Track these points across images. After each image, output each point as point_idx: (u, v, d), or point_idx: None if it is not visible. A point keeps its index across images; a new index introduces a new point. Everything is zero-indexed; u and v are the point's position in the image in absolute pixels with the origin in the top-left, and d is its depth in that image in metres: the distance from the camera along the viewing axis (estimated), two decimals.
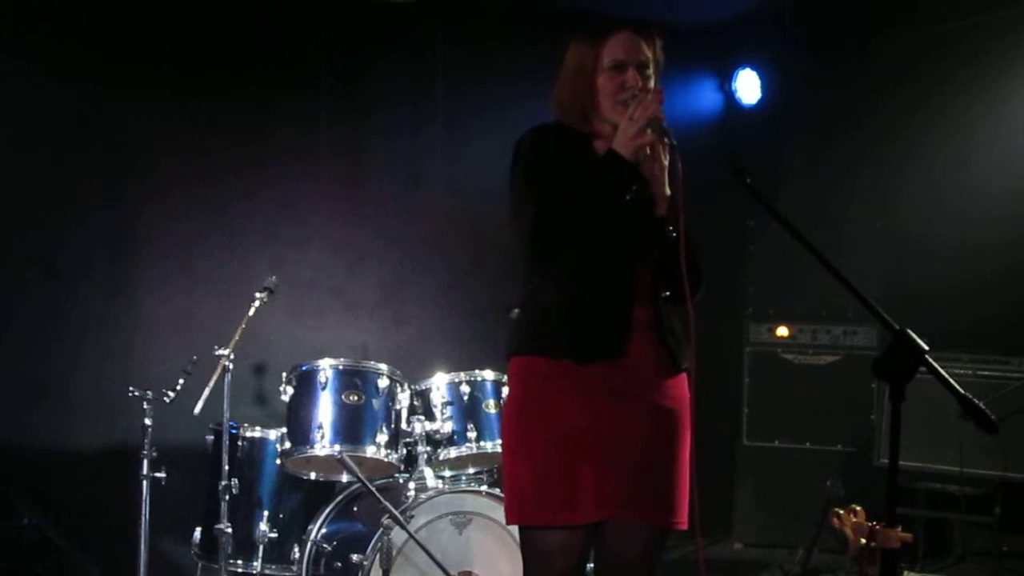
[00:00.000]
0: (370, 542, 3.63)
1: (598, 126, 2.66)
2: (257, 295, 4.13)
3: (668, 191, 2.59)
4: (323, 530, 3.98)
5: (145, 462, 3.93)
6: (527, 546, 2.62)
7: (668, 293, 2.64)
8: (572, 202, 2.51)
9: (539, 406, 2.58)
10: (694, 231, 2.63)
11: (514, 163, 2.66)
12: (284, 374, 4.05)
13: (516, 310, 4.42)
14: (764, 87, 6.05)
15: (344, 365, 4.00)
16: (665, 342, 2.62)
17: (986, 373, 4.78)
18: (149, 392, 3.94)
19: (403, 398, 4.05)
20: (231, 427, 3.97)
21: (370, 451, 3.90)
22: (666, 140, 2.49)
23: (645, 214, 2.58)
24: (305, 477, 4.06)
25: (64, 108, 4.67)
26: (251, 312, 4.09)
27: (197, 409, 3.85)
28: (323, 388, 3.93)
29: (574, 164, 2.58)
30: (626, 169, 2.50)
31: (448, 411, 4.03)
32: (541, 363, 2.61)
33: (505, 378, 4.18)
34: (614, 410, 2.55)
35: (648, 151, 2.53)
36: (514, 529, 3.82)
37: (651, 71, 2.65)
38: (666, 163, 2.55)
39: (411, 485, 3.86)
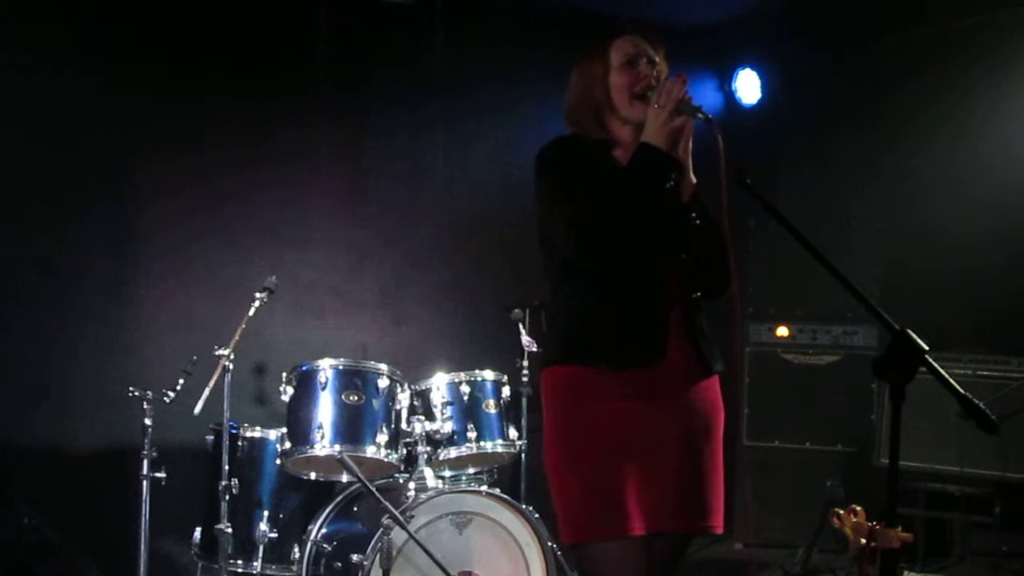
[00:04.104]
0: (370, 542, 3.63)
1: (617, 130, 2.63)
2: (257, 295, 4.13)
3: (693, 178, 2.57)
4: (323, 530, 3.98)
5: (145, 462, 3.92)
6: (586, 564, 2.56)
7: (698, 294, 2.61)
8: (613, 200, 2.45)
9: (581, 419, 2.54)
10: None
11: (540, 174, 2.61)
12: (284, 374, 4.05)
13: (516, 310, 4.45)
14: (764, 87, 6.05)
15: (344, 365, 4.00)
16: (697, 344, 2.59)
17: (986, 373, 4.77)
18: (149, 392, 3.94)
19: (403, 398, 4.05)
20: (231, 427, 3.96)
21: (370, 451, 3.89)
22: (700, 115, 2.46)
23: (674, 206, 2.55)
24: (305, 477, 4.06)
25: (64, 108, 4.66)
26: (251, 312, 4.09)
27: (197, 409, 3.85)
28: (323, 388, 3.93)
29: (599, 169, 2.55)
30: (663, 158, 2.47)
31: (448, 411, 4.03)
32: (579, 372, 2.55)
33: (505, 378, 4.20)
34: (652, 415, 2.52)
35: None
36: (514, 529, 3.85)
37: (660, 68, 2.64)
38: (690, 147, 2.53)
39: (411, 485, 3.86)
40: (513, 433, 4.14)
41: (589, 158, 2.59)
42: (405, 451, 4.03)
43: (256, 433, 4.10)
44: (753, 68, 6.06)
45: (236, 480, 3.94)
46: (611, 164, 2.59)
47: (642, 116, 2.54)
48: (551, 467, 2.60)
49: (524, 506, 3.94)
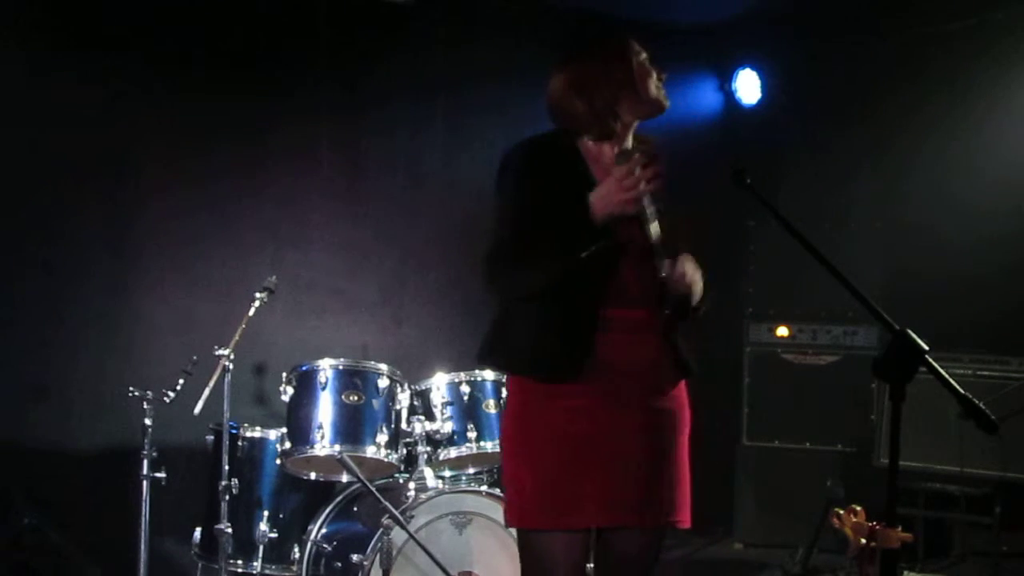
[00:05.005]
0: (370, 542, 3.63)
1: (633, 114, 2.64)
2: (257, 295, 4.13)
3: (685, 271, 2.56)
4: (323, 530, 3.98)
5: (145, 462, 3.92)
6: (527, 550, 2.61)
7: (668, 311, 2.63)
8: (533, 242, 2.52)
9: (539, 410, 2.57)
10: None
11: (498, 177, 2.70)
12: (284, 374, 4.05)
13: None
14: (764, 87, 6.06)
15: (344, 365, 4.00)
16: (666, 350, 2.62)
17: (986, 373, 4.77)
18: (149, 392, 3.94)
19: (403, 398, 4.05)
20: (231, 427, 3.96)
21: (370, 451, 3.90)
22: (650, 228, 2.48)
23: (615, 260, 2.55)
24: (305, 477, 4.06)
25: (64, 108, 4.66)
26: (251, 312, 4.09)
27: (197, 409, 3.84)
28: (323, 388, 3.93)
29: (563, 183, 2.58)
30: (592, 228, 2.46)
31: (448, 411, 4.03)
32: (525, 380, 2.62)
33: (505, 378, 4.19)
34: (614, 413, 2.54)
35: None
36: (515, 529, 3.85)
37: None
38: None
39: (411, 485, 3.86)
40: None
41: (552, 173, 2.61)
42: (405, 451, 4.03)
43: (256, 433, 4.10)
44: (753, 68, 6.07)
45: (236, 480, 3.94)
46: (580, 171, 2.61)
47: (660, 99, 2.63)
48: (506, 452, 2.66)
49: None
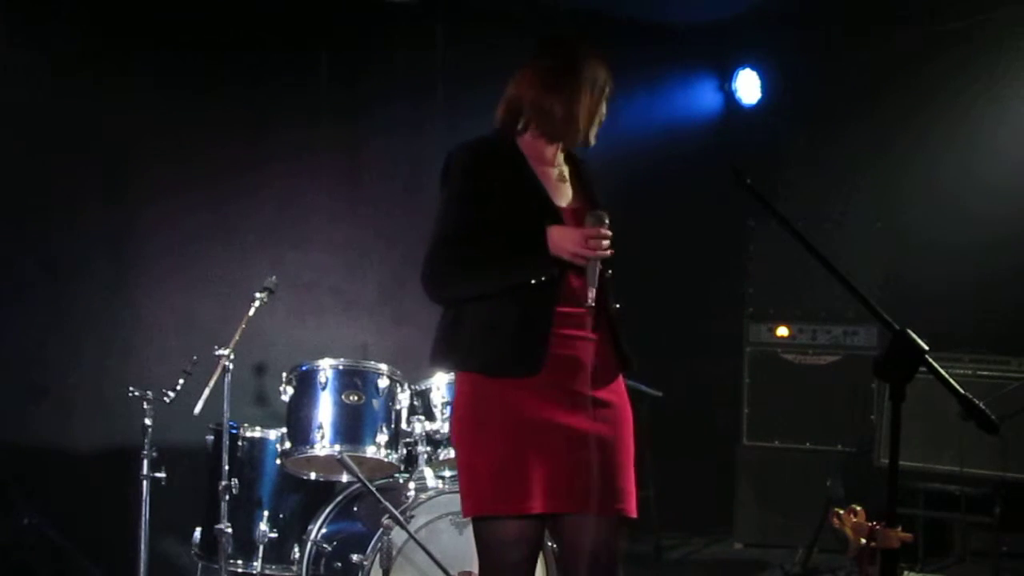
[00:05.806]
0: (370, 542, 3.63)
1: (586, 122, 2.71)
2: (257, 295, 4.12)
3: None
4: (323, 530, 3.98)
5: (145, 462, 3.92)
6: (483, 537, 2.66)
7: (617, 305, 2.71)
8: (475, 253, 2.63)
9: (491, 400, 2.63)
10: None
11: (441, 178, 2.81)
12: (284, 374, 4.05)
13: None
14: (764, 87, 6.06)
15: (344, 365, 4.00)
16: (615, 341, 2.71)
17: (986, 373, 4.77)
18: (149, 392, 3.93)
19: (403, 398, 4.05)
20: (231, 427, 3.96)
21: (370, 451, 3.89)
22: (586, 279, 2.56)
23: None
24: (305, 477, 4.06)
25: (64, 107, 4.66)
26: (251, 312, 4.08)
27: (197, 409, 3.84)
28: (323, 388, 3.93)
29: (505, 182, 2.67)
30: (543, 255, 2.57)
31: (448, 411, 4.02)
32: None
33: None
34: (562, 404, 2.60)
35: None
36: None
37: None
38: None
39: (411, 485, 3.86)
40: None
41: (495, 173, 2.70)
42: (405, 451, 4.03)
43: (256, 433, 4.10)
44: (753, 68, 6.07)
45: (236, 480, 3.94)
46: (522, 177, 2.69)
47: (590, 138, 2.73)
48: (460, 442, 2.71)
49: None
